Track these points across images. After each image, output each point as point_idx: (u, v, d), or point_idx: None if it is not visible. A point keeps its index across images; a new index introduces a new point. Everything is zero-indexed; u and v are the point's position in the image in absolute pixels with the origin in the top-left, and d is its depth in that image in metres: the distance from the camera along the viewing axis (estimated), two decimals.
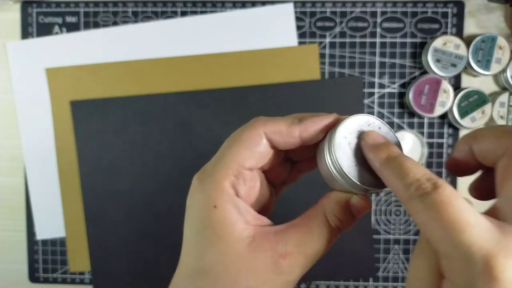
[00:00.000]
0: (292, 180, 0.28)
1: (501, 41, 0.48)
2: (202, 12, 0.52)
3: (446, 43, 0.49)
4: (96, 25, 0.53)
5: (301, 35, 0.52)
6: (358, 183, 0.22)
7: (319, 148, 0.24)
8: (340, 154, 0.23)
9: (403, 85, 0.52)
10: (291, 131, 0.24)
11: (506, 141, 0.19)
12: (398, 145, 0.24)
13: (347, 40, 0.52)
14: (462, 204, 0.18)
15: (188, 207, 0.24)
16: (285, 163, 0.27)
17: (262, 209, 0.25)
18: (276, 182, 0.27)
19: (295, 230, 0.23)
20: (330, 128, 0.24)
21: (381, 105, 0.52)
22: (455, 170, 0.23)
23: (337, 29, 0.51)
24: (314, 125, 0.24)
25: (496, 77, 0.51)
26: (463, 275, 0.17)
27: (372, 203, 0.53)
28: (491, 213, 0.18)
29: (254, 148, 0.24)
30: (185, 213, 0.24)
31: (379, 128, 0.24)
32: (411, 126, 0.52)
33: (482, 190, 0.23)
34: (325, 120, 0.24)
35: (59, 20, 0.53)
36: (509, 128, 0.20)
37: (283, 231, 0.23)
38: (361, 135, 0.23)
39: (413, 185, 0.19)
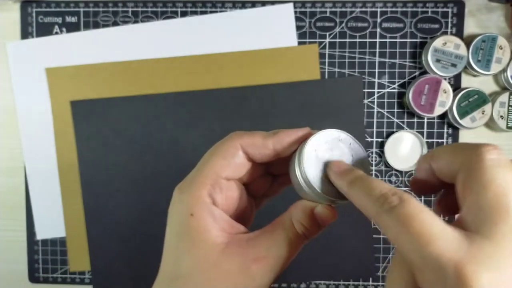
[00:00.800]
0: (273, 193, 0.29)
1: (502, 41, 0.48)
2: (202, 12, 0.52)
3: (446, 43, 0.49)
4: (96, 25, 0.53)
5: (301, 35, 0.52)
6: (323, 194, 0.24)
7: (291, 159, 0.26)
8: (308, 166, 0.24)
9: (403, 85, 0.52)
10: (265, 143, 0.25)
11: (460, 157, 0.20)
12: (367, 161, 0.25)
13: (347, 40, 0.51)
14: (427, 216, 0.18)
15: (169, 216, 0.26)
16: (266, 177, 0.28)
17: (241, 219, 0.27)
18: (258, 194, 0.28)
19: (265, 236, 0.24)
20: (302, 141, 0.25)
21: (380, 105, 0.52)
22: (419, 189, 0.24)
23: (337, 29, 0.51)
24: (287, 137, 0.25)
25: (496, 77, 0.51)
26: (437, 286, 0.17)
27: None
28: (456, 225, 0.19)
29: (230, 159, 0.25)
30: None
31: (350, 144, 0.25)
32: (411, 126, 0.52)
33: (445, 206, 0.24)
34: (297, 133, 0.25)
35: (59, 20, 0.53)
36: (462, 145, 0.21)
37: (254, 238, 0.24)
38: (327, 164, 0.24)
39: (379, 200, 0.20)
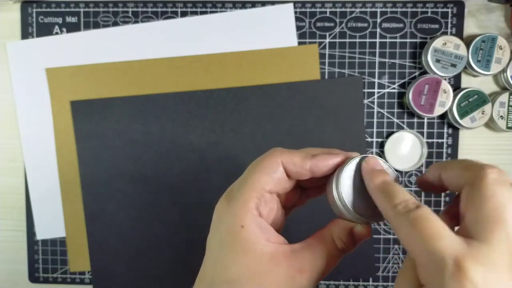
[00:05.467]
0: (300, 204, 0.32)
1: (501, 41, 0.48)
2: (202, 12, 0.52)
3: (446, 43, 0.49)
4: (96, 25, 0.53)
5: (301, 35, 0.52)
6: (360, 217, 0.26)
7: (328, 182, 0.28)
8: (345, 191, 0.27)
9: (403, 85, 0.52)
10: (303, 164, 0.27)
11: (468, 173, 0.23)
12: (397, 180, 0.27)
13: (347, 40, 0.52)
14: (436, 220, 0.21)
15: (215, 225, 0.28)
16: (296, 190, 0.30)
17: (276, 228, 0.29)
18: (287, 205, 0.31)
19: (308, 249, 0.27)
20: (338, 166, 0.28)
21: (380, 105, 0.52)
22: (424, 187, 0.28)
23: (337, 29, 0.51)
24: (324, 162, 0.27)
25: (496, 77, 0.51)
26: (437, 278, 0.20)
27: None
28: (458, 233, 0.22)
29: (273, 174, 0.27)
30: (210, 229, 0.28)
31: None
32: (411, 126, 0.52)
33: (451, 216, 0.26)
34: (334, 159, 0.28)
35: (59, 20, 0.53)
36: (471, 163, 0.24)
37: (298, 250, 0.26)
38: (362, 160, 0.27)
39: (400, 204, 0.23)
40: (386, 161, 0.28)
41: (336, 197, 0.27)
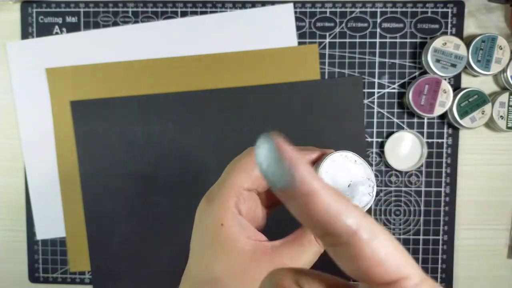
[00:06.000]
0: (281, 202, 0.30)
1: (501, 41, 0.48)
2: (202, 12, 0.52)
3: (446, 43, 0.49)
4: (96, 25, 0.53)
5: (301, 35, 0.52)
6: None
7: None
8: None
9: (403, 85, 0.52)
10: None
11: None
12: (372, 175, 0.28)
13: (347, 40, 0.52)
14: None
15: (197, 225, 0.28)
16: None
17: (257, 227, 0.29)
18: (268, 204, 0.31)
19: (289, 245, 0.27)
20: (316, 161, 0.28)
21: (380, 105, 0.52)
22: None
23: (337, 29, 0.51)
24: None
25: (496, 77, 0.51)
26: None
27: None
28: None
29: (249, 171, 0.27)
30: (192, 229, 0.28)
31: (355, 161, 0.28)
32: (410, 126, 0.52)
33: None
34: (309, 155, 0.28)
35: (59, 20, 0.53)
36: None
37: (279, 246, 0.26)
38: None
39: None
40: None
41: None
